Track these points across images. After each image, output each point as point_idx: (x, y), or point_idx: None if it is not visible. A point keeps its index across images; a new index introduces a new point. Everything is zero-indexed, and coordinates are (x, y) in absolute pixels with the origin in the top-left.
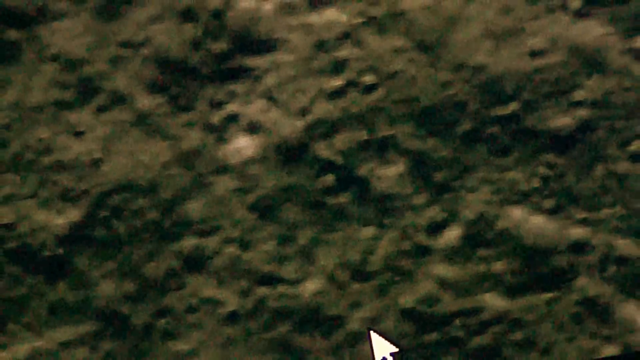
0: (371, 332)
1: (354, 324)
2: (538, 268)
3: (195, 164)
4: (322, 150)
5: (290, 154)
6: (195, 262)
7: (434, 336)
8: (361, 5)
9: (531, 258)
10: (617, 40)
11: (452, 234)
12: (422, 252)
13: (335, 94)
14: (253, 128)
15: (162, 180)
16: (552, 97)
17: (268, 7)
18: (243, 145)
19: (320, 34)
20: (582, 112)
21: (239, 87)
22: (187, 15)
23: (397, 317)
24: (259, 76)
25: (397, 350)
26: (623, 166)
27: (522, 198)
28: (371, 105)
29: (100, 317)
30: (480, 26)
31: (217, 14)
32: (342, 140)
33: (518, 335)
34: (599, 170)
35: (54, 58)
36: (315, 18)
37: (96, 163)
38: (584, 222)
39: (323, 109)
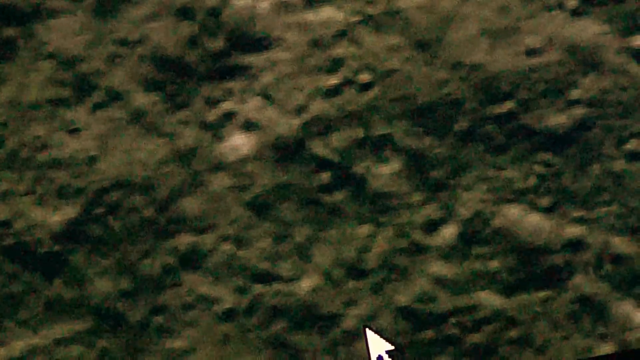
0: (367, 329)
1: (349, 321)
2: (534, 266)
3: (191, 162)
4: (318, 148)
5: (286, 151)
6: (191, 260)
7: (429, 334)
8: (358, 3)
9: (527, 256)
10: (613, 39)
11: (448, 232)
12: (418, 250)
13: (332, 92)
14: (249, 126)
15: (158, 177)
16: (549, 95)
17: (264, 5)
18: (239, 143)
19: (317, 32)
20: (578, 111)
21: (235, 85)
22: (184, 13)
23: (392, 315)
24: (255, 74)
25: (392, 348)
26: (619, 165)
27: (518, 196)
28: (367, 103)
29: (96, 314)
30: (477, 25)
31: (214, 12)
32: (338, 138)
33: (513, 334)
34: (595, 168)
35: (50, 55)
36: (312, 16)
37: (92, 160)
38: (579, 220)
39: (319, 107)
